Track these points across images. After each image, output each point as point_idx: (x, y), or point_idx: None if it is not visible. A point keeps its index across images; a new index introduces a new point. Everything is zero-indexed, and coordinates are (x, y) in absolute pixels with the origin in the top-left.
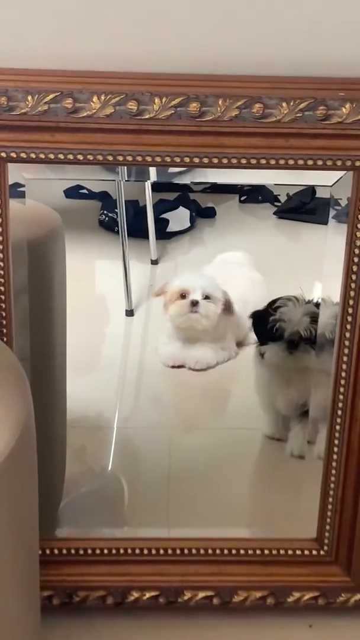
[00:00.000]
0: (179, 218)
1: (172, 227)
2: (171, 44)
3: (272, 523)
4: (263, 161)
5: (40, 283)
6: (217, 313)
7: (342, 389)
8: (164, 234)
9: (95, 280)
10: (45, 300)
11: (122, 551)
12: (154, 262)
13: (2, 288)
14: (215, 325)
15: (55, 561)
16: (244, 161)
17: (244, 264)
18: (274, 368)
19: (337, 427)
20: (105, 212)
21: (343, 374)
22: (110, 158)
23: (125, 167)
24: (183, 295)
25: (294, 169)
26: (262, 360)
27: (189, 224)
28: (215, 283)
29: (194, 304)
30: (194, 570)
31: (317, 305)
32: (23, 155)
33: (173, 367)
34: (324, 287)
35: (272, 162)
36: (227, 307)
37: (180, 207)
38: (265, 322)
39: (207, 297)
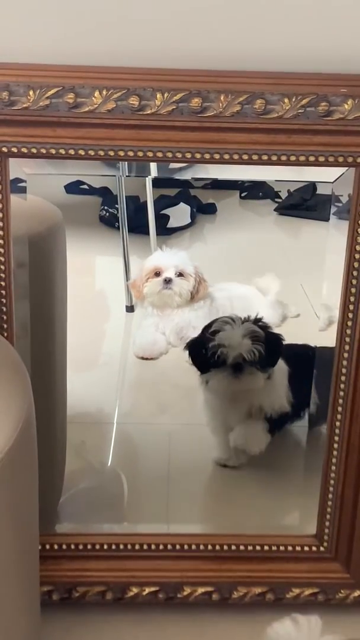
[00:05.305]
0: (179, 214)
1: (172, 223)
2: (173, 39)
3: (271, 519)
4: (264, 157)
5: (41, 278)
6: (190, 290)
7: (342, 385)
8: (164, 229)
9: (95, 276)
10: (46, 296)
11: (121, 547)
12: None
13: (3, 283)
14: (188, 300)
15: (55, 556)
16: (245, 157)
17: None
18: (220, 393)
19: (337, 424)
20: (105, 207)
21: (344, 370)
22: (111, 153)
23: (126, 163)
24: (157, 274)
25: (295, 165)
26: (207, 386)
27: (189, 220)
28: (188, 260)
29: (167, 281)
30: (193, 566)
31: (257, 321)
32: (24, 150)
33: (144, 358)
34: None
35: (274, 158)
36: (199, 282)
37: (181, 203)
38: (204, 350)
39: (180, 275)
